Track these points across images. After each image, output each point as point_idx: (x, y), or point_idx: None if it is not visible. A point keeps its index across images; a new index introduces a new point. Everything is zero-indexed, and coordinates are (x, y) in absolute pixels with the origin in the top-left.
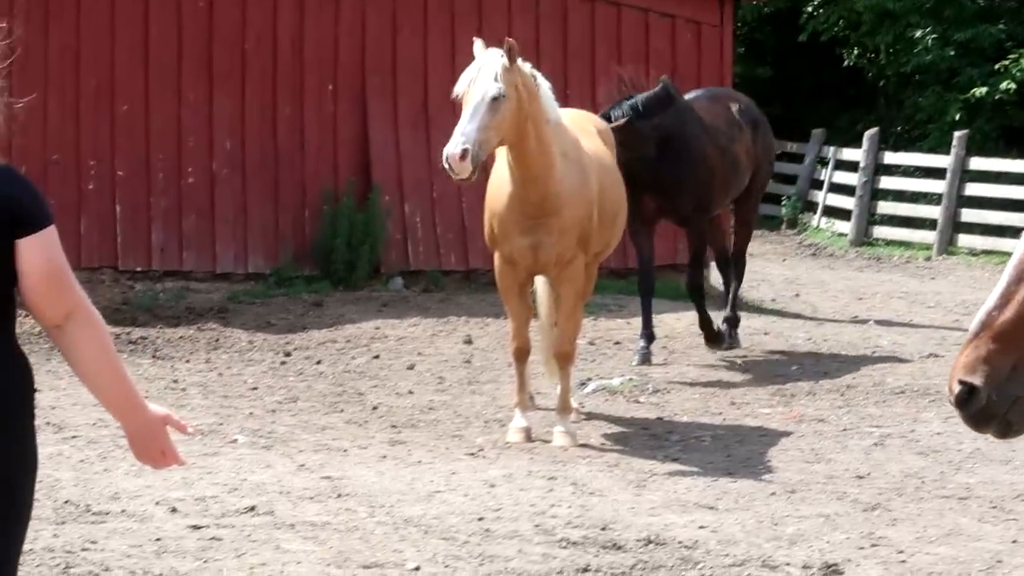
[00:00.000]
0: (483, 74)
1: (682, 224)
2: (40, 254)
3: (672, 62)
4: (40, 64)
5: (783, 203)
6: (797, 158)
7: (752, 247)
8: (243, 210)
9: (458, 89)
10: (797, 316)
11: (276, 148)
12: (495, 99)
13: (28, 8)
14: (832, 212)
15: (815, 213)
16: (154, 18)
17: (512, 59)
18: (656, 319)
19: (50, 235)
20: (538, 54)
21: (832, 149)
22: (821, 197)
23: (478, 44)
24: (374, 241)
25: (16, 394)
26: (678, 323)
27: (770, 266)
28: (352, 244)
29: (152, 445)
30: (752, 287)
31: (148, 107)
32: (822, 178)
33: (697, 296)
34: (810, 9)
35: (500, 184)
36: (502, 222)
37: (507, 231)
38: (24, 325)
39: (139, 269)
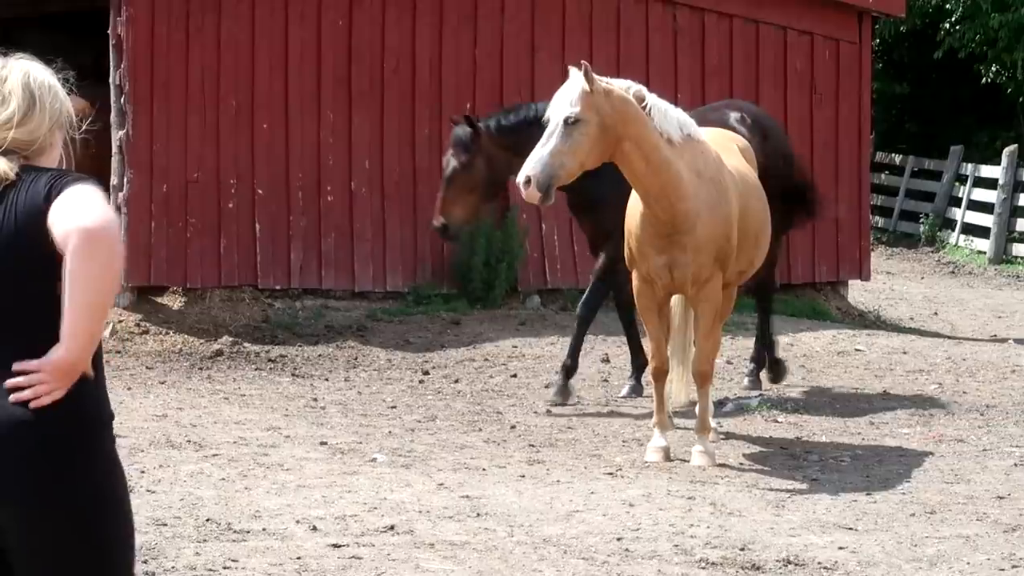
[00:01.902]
0: (560, 99)
1: (602, 242)
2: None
3: (810, 79)
4: (181, 83)
5: (921, 221)
6: (935, 175)
7: (891, 265)
8: (382, 229)
9: (547, 114)
10: (936, 335)
11: (415, 167)
12: (568, 123)
13: (168, 30)
14: (971, 230)
15: (953, 231)
16: (293, 38)
17: (590, 82)
18: (793, 338)
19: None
20: (676, 73)
21: (970, 166)
22: (959, 215)
23: (573, 71)
24: (512, 260)
25: (68, 426)
26: (815, 342)
27: (908, 284)
28: (490, 263)
29: (59, 377)
30: (891, 305)
31: (287, 126)
32: (960, 195)
33: (582, 322)
34: (947, 26)
35: (636, 203)
36: (638, 241)
37: (643, 250)
38: (148, 343)
39: (278, 287)
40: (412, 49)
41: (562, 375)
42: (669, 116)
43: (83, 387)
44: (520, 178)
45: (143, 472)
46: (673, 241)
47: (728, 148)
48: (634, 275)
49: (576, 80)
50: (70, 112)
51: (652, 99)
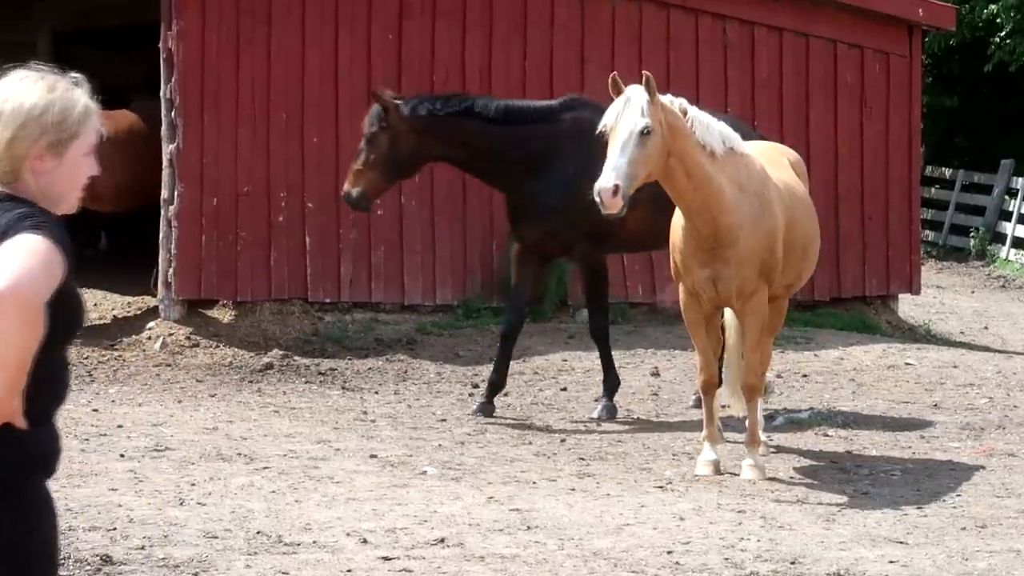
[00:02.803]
0: (630, 108)
1: (568, 255)
2: None
3: (861, 92)
4: (231, 96)
5: (971, 235)
6: (985, 189)
7: (941, 279)
8: (431, 242)
9: (605, 122)
10: (986, 349)
11: (464, 180)
12: (643, 134)
13: (219, 42)
14: (1021, 244)
15: (1004, 245)
16: (343, 51)
17: (651, 93)
18: (843, 352)
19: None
20: (726, 86)
21: (1021, 180)
22: (1010, 228)
23: (613, 80)
24: (561, 273)
25: None
26: (866, 356)
27: (958, 298)
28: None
29: None
30: (941, 319)
31: (338, 139)
32: (1011, 209)
33: (601, 341)
34: (997, 40)
35: (679, 217)
36: (682, 255)
37: (687, 264)
38: (198, 356)
39: (328, 301)
40: (462, 60)
41: (606, 395)
42: (712, 129)
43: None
44: (607, 185)
45: (193, 485)
46: (716, 255)
47: (777, 161)
48: (680, 289)
49: (638, 91)
50: (63, 140)
51: (694, 112)
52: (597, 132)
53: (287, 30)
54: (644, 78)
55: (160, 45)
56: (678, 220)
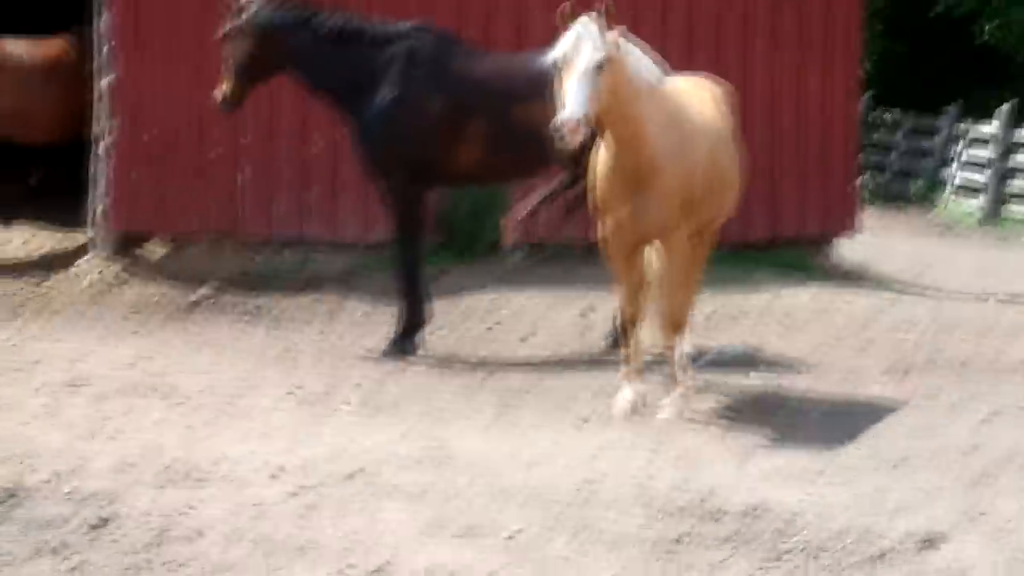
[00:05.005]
0: (585, 41)
1: (387, 186)
2: None
3: (799, 34)
4: (168, 29)
5: (913, 180)
6: (930, 134)
7: (881, 223)
8: (366, 180)
9: (556, 54)
10: (920, 293)
11: None
12: (599, 67)
13: None
14: (963, 189)
15: (946, 190)
16: None
17: (610, 24)
18: (773, 294)
19: None
20: (664, 27)
21: (963, 126)
22: (953, 174)
23: (561, 12)
24: (497, 212)
25: None
26: (797, 298)
27: (898, 242)
28: (475, 215)
29: None
30: (878, 262)
31: None
32: (955, 155)
33: (407, 281)
34: None
35: (601, 151)
36: (602, 190)
37: (608, 199)
38: (127, 292)
39: (261, 237)
40: None
41: (403, 331)
42: (642, 63)
43: None
44: (570, 117)
45: (107, 419)
46: (638, 190)
47: (699, 96)
48: (600, 224)
49: (589, 23)
50: None
51: (627, 45)
52: (548, 64)
53: None
54: (603, 7)
55: None
56: (599, 155)
